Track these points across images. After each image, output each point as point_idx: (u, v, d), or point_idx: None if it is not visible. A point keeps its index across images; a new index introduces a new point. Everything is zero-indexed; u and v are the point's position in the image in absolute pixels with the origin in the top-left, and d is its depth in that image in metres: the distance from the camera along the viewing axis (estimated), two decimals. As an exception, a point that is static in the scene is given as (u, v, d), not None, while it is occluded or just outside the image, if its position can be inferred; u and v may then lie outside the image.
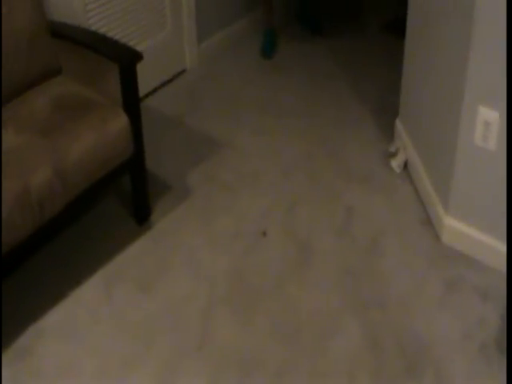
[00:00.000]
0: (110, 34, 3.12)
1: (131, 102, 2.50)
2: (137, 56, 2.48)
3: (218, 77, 3.82)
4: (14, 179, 2.14)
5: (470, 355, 2.20)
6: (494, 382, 2.11)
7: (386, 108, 3.41)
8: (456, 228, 2.57)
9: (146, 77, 2.58)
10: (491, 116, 2.29)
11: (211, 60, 3.95)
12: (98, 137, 2.36)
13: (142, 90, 2.63)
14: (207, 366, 2.18)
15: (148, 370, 2.17)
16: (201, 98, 3.63)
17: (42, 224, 2.23)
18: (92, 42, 2.62)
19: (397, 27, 3.16)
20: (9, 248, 2.14)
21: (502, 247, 2.45)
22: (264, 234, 2.69)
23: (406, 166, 3.02)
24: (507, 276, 1.78)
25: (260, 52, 4.02)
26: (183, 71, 3.87)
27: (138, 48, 2.77)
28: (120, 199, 2.86)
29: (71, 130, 2.35)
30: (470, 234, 2.54)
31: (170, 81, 3.78)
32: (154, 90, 3.65)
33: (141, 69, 2.50)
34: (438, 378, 2.13)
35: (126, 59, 2.46)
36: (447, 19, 2.48)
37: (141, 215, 2.74)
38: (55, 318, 2.35)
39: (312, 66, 3.93)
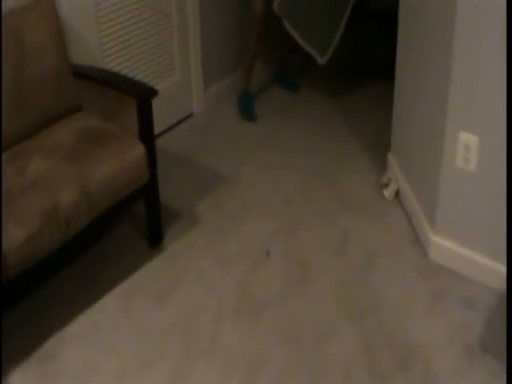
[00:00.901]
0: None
1: (147, 133, 2.78)
2: (153, 92, 2.78)
3: (223, 120, 4.11)
4: (44, 198, 2.41)
5: (455, 355, 2.42)
6: (477, 378, 2.33)
7: (379, 144, 3.69)
8: (442, 245, 2.82)
9: (156, 119, 2.88)
10: (471, 140, 2.56)
11: (216, 105, 4.25)
12: (119, 163, 2.64)
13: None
14: (217, 367, 2.40)
15: (163, 369, 2.39)
16: (208, 138, 3.92)
17: (68, 240, 2.49)
18: (112, 80, 2.93)
19: (388, 72, 3.41)
20: (38, 261, 2.39)
21: (485, 261, 2.69)
22: (267, 254, 2.94)
23: (397, 194, 3.28)
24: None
25: (241, 115, 4.13)
26: (190, 115, 4.17)
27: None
28: (135, 225, 3.12)
29: (94, 157, 2.63)
30: (455, 250, 2.78)
31: (178, 123, 4.07)
32: (163, 132, 3.94)
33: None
34: (427, 374, 2.35)
35: (144, 94, 2.77)
36: (429, 58, 2.78)
37: (154, 239, 2.99)
38: (77, 326, 2.58)
39: (307, 110, 4.22)
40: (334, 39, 3.97)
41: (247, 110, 4.13)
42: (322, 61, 3.99)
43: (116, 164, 2.63)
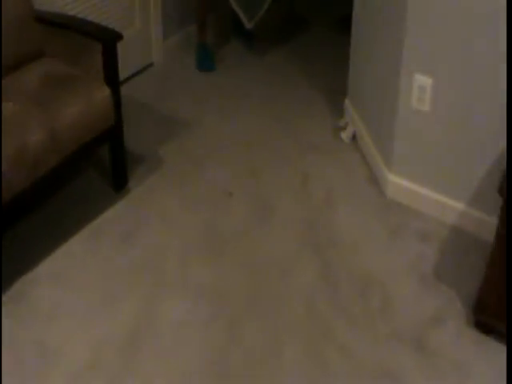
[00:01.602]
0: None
1: (112, 77, 2.82)
2: (118, 36, 2.82)
3: (183, 70, 4.16)
4: (13, 139, 2.44)
5: (412, 284, 2.56)
6: (431, 303, 2.47)
7: (336, 90, 3.80)
8: (398, 183, 2.94)
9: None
10: (425, 81, 2.67)
11: (176, 55, 4.29)
12: (85, 105, 2.69)
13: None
14: (184, 301, 2.49)
15: (132, 306, 2.47)
16: (168, 87, 3.97)
17: (36, 180, 2.53)
18: (77, 25, 2.96)
19: (346, 24, 3.51)
20: (7, 200, 2.43)
21: (439, 197, 2.83)
22: (230, 194, 3.03)
23: (354, 137, 3.40)
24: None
25: (197, 67, 4.19)
26: (150, 64, 4.20)
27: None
28: (100, 170, 3.18)
29: (61, 100, 2.66)
30: (410, 187, 2.91)
31: (138, 73, 4.10)
32: (124, 82, 3.96)
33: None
34: (385, 299, 2.49)
35: (109, 38, 2.81)
36: (385, 3, 2.86)
37: (119, 183, 3.05)
38: (46, 267, 2.63)
39: (266, 61, 4.30)
40: (261, 9, 4.10)
41: (204, 61, 4.19)
42: (248, 25, 4.12)
43: (82, 106, 2.67)
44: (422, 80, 2.68)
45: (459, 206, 2.77)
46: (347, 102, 3.53)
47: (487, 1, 2.37)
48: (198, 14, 4.19)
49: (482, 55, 2.46)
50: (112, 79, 2.81)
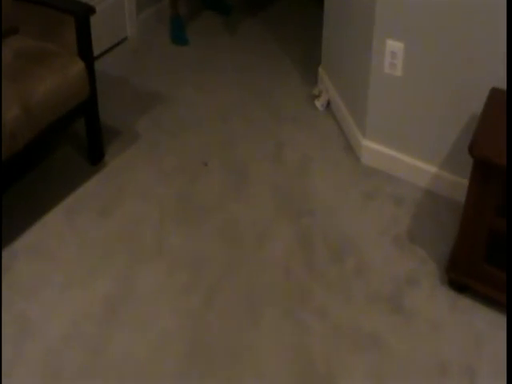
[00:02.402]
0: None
1: (86, 50, 2.83)
2: (90, 9, 2.81)
3: (157, 44, 4.14)
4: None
5: (386, 245, 2.60)
6: (406, 264, 2.52)
7: (310, 59, 3.81)
8: (373, 149, 2.97)
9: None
10: (397, 47, 2.69)
11: (150, 29, 4.27)
12: (60, 79, 2.69)
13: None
14: (162, 270, 2.52)
15: (110, 276, 2.50)
16: (143, 61, 3.96)
17: (14, 154, 2.54)
18: (49, 0, 2.93)
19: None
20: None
21: (412, 161, 2.86)
22: (205, 164, 3.05)
23: (328, 105, 3.41)
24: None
25: (172, 41, 4.18)
26: (124, 39, 4.18)
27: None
28: (76, 145, 3.18)
29: (35, 74, 2.66)
30: (384, 152, 2.94)
31: (112, 48, 4.08)
32: (98, 57, 3.94)
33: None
34: (360, 262, 2.53)
35: (82, 12, 2.80)
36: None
37: (95, 156, 3.06)
38: (25, 241, 2.65)
39: (240, 32, 4.28)
40: None
41: (178, 34, 4.18)
42: None
43: (57, 80, 2.68)
44: (394, 45, 2.70)
45: (432, 169, 2.81)
46: (321, 69, 3.55)
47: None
48: None
49: (454, 19, 2.48)
50: (86, 53, 2.82)
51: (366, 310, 2.34)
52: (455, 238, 2.34)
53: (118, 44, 4.12)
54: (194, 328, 2.29)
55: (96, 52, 3.77)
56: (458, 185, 2.68)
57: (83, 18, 2.78)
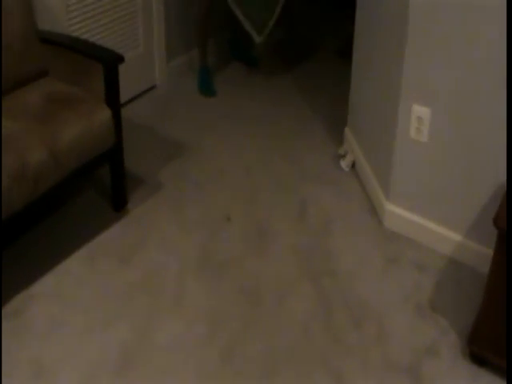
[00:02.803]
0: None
1: (113, 98, 2.85)
2: (119, 57, 2.85)
3: (185, 93, 4.19)
4: (13, 157, 2.46)
5: (407, 313, 2.56)
6: (427, 333, 2.47)
7: (336, 118, 3.82)
8: (396, 213, 2.95)
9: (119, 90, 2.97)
10: (423, 112, 2.70)
11: (179, 78, 4.32)
12: (86, 125, 2.71)
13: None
14: (180, 322, 2.50)
15: (128, 325, 2.48)
16: (170, 110, 4.00)
17: (36, 198, 2.55)
18: (80, 46, 2.99)
19: (347, 51, 3.56)
20: (7, 217, 2.44)
21: (437, 228, 2.83)
22: (228, 219, 3.04)
23: (353, 165, 3.41)
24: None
25: (200, 92, 4.23)
26: (153, 87, 4.23)
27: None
28: (100, 190, 3.19)
29: (62, 119, 2.68)
30: (408, 217, 2.92)
31: (140, 95, 4.13)
32: (126, 103, 3.99)
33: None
34: (380, 330, 2.48)
35: (111, 60, 2.83)
36: (385, 34, 2.90)
37: (118, 203, 3.07)
38: (44, 284, 2.64)
39: (270, 86, 4.33)
40: (271, 20, 4.13)
41: (205, 86, 4.22)
42: (258, 39, 4.13)
43: (83, 126, 2.69)
44: (420, 111, 2.70)
45: (457, 237, 2.78)
46: (347, 130, 3.56)
47: (485, 33, 2.40)
48: (198, 40, 4.23)
49: (481, 85, 2.48)
50: (113, 100, 2.84)
51: (384, 378, 2.29)
52: (478, 309, 2.30)
53: (146, 91, 4.17)
54: (209, 385, 2.26)
55: (124, 98, 3.83)
56: (482, 255, 2.64)
57: (112, 66, 2.82)
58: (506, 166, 2.45)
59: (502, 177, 2.51)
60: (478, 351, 2.32)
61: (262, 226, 3.01)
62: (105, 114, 2.79)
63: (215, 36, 4.53)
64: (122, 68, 2.86)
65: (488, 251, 2.50)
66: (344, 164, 3.41)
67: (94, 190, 3.21)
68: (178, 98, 4.13)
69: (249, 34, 4.09)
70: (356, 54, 3.39)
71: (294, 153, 3.57)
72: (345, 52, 4.25)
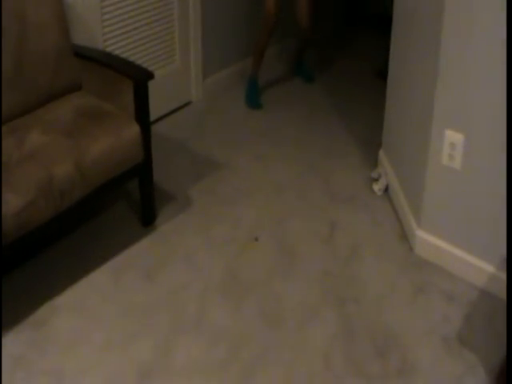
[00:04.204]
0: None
1: (143, 114, 2.84)
2: (149, 75, 2.84)
3: (220, 110, 4.18)
4: (40, 169, 2.47)
5: (434, 345, 2.48)
6: (453, 368, 2.38)
7: (371, 141, 3.77)
8: (427, 240, 2.88)
9: (154, 105, 2.93)
10: (456, 138, 2.63)
11: (215, 94, 4.32)
12: (114, 141, 2.70)
13: (150, 116, 2.94)
14: (201, 343, 2.46)
15: (149, 343, 2.45)
16: (204, 127, 3.99)
17: (62, 211, 2.54)
18: (110, 62, 3.00)
19: (385, 73, 3.52)
20: (33, 229, 2.45)
21: (468, 257, 2.75)
22: (256, 239, 3.00)
23: (386, 190, 3.35)
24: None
25: (246, 103, 4.24)
26: (189, 103, 4.23)
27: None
28: (129, 205, 3.19)
29: (91, 133, 2.68)
30: (439, 245, 2.84)
31: (175, 111, 4.13)
32: (161, 118, 4.00)
33: (150, 97, 2.84)
34: (404, 362, 2.41)
35: (141, 77, 2.83)
36: (419, 58, 2.84)
37: (146, 218, 3.05)
38: (69, 296, 2.65)
39: (307, 105, 4.30)
40: None
41: (252, 97, 4.21)
42: None
43: (111, 141, 2.69)
44: (453, 136, 2.63)
45: (489, 268, 2.70)
46: (381, 153, 3.50)
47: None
48: (258, 47, 4.17)
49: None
50: (142, 117, 2.83)
51: (405, 413, 2.23)
52: (507, 348, 2.22)
53: (181, 107, 4.16)
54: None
55: (159, 113, 3.86)
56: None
57: (142, 82, 2.81)
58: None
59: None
60: (505, 389, 2.23)
61: (290, 247, 2.96)
62: (133, 129, 2.78)
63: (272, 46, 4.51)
64: (156, 83, 2.86)
65: (521, 285, 2.42)
66: (376, 188, 3.35)
67: (124, 204, 3.20)
68: (213, 115, 4.12)
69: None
70: (391, 76, 3.34)
71: (326, 175, 3.52)
72: (383, 74, 4.22)
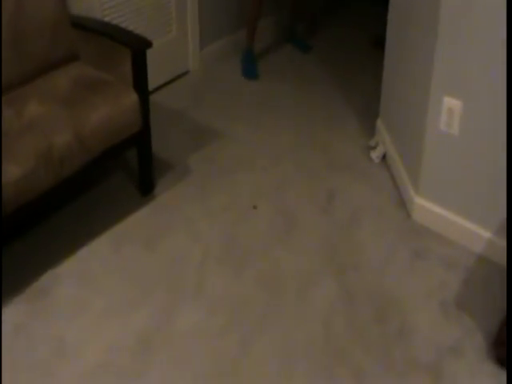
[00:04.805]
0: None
1: (141, 83, 2.83)
2: (147, 43, 2.84)
3: (218, 79, 4.17)
4: (39, 139, 2.47)
5: (431, 309, 2.51)
6: (451, 332, 2.42)
7: (369, 109, 3.77)
8: (425, 207, 2.90)
9: (152, 75, 2.92)
10: (454, 104, 2.63)
11: (212, 64, 4.30)
12: (113, 109, 2.70)
13: (148, 86, 2.93)
14: (200, 310, 2.49)
15: (149, 310, 2.48)
16: (202, 96, 3.97)
17: (62, 180, 2.56)
18: (108, 31, 3.00)
19: (382, 43, 3.51)
20: (34, 198, 2.46)
21: (466, 223, 2.77)
22: (254, 207, 3.02)
23: (384, 158, 3.36)
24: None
25: (242, 73, 4.24)
26: (186, 72, 4.22)
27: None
28: (128, 175, 3.20)
29: (89, 102, 2.69)
30: (437, 211, 2.86)
31: (173, 80, 4.12)
32: (159, 88, 3.99)
33: (148, 66, 2.83)
34: (403, 325, 2.44)
35: (139, 45, 2.83)
36: (416, 27, 2.83)
37: (145, 188, 3.06)
38: (70, 265, 2.67)
39: (304, 74, 4.29)
40: None
41: (249, 68, 4.21)
42: None
43: (110, 110, 2.69)
44: (451, 103, 2.64)
45: (487, 234, 2.72)
46: (379, 121, 3.50)
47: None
48: (249, 19, 4.18)
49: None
50: (140, 85, 2.83)
51: (404, 375, 2.25)
52: (504, 312, 2.24)
53: (179, 77, 4.15)
54: (225, 373, 2.24)
55: (156, 83, 3.84)
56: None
57: (140, 51, 2.81)
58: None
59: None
60: (502, 355, 2.26)
61: (289, 215, 2.98)
62: (132, 98, 2.78)
63: (266, 17, 4.49)
64: (154, 53, 2.85)
65: (518, 250, 2.44)
66: (374, 155, 3.36)
67: (122, 174, 3.20)
68: (211, 84, 4.11)
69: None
70: (388, 45, 3.32)
71: (324, 143, 3.53)
72: (380, 43, 4.20)
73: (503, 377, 2.24)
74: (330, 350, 2.33)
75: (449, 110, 2.64)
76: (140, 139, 2.89)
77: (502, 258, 2.66)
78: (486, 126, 2.56)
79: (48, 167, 2.47)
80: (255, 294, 2.56)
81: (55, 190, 2.55)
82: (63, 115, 2.59)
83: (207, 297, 2.54)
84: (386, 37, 3.33)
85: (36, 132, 2.48)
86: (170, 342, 2.36)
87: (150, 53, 2.85)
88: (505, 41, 2.37)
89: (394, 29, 3.22)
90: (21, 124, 2.55)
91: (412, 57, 2.93)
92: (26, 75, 2.81)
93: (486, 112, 2.54)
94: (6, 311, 2.45)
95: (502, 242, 2.66)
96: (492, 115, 2.52)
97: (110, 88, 2.79)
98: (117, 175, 3.20)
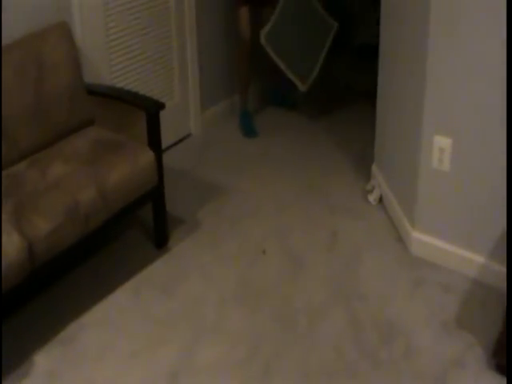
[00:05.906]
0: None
1: (155, 142, 3.10)
2: (161, 105, 3.12)
3: (219, 140, 4.43)
4: (66, 196, 2.71)
5: (434, 329, 2.72)
6: (453, 347, 2.62)
7: (364, 157, 4.03)
8: (421, 240, 3.12)
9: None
10: (445, 142, 2.88)
11: (213, 126, 4.57)
12: (131, 167, 2.95)
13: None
14: (220, 346, 2.68)
15: (172, 349, 2.67)
16: (206, 156, 4.23)
17: (87, 234, 2.78)
18: (123, 96, 3.28)
19: (374, 93, 3.77)
20: (62, 251, 2.68)
21: (460, 251, 3.00)
22: (264, 252, 3.24)
23: (380, 200, 3.60)
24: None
25: (243, 134, 4.50)
26: (188, 135, 4.49)
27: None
28: (143, 229, 3.42)
29: (110, 161, 2.94)
30: (433, 243, 3.08)
31: (176, 144, 4.38)
32: (163, 151, 4.22)
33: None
34: (408, 344, 2.64)
35: (153, 107, 3.10)
36: (406, 73, 3.11)
37: (160, 240, 3.29)
38: (94, 314, 2.86)
39: (300, 130, 4.56)
40: (314, 70, 4.41)
41: (248, 128, 4.48)
42: (302, 88, 4.38)
43: (129, 168, 2.94)
44: (442, 141, 2.88)
45: (481, 259, 2.93)
46: (374, 166, 3.75)
47: (503, 64, 2.58)
48: (240, 85, 4.51)
49: (501, 117, 2.65)
50: (155, 144, 3.09)
51: (412, 388, 2.44)
52: (502, 322, 2.44)
53: (182, 140, 4.41)
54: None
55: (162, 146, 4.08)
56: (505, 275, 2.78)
57: (154, 112, 3.08)
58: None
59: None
60: (503, 363, 2.44)
61: (296, 257, 3.20)
62: (148, 156, 3.04)
63: (255, 82, 4.76)
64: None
65: (510, 270, 2.64)
66: (372, 198, 3.60)
67: (138, 228, 3.43)
68: (213, 145, 4.37)
69: (293, 82, 4.32)
70: (380, 93, 3.60)
71: (324, 191, 3.78)
72: (372, 93, 4.44)
73: (503, 383, 2.42)
74: (342, 370, 2.54)
75: (440, 148, 2.88)
76: (156, 194, 3.13)
77: (496, 280, 2.87)
78: (474, 160, 2.81)
79: (75, 222, 2.69)
80: (270, 327, 2.76)
81: (80, 244, 2.77)
82: (86, 174, 2.83)
83: (226, 332, 2.74)
84: (378, 83, 3.60)
85: (62, 190, 2.72)
86: (197, 374, 2.54)
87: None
88: (491, 80, 2.62)
89: (385, 74, 3.49)
90: (46, 183, 2.78)
91: (403, 103, 3.20)
92: (46, 140, 3.07)
93: (473, 147, 2.79)
94: (36, 359, 2.62)
95: (495, 266, 2.88)
96: (479, 150, 2.77)
97: (127, 147, 3.05)
98: (133, 230, 3.42)
